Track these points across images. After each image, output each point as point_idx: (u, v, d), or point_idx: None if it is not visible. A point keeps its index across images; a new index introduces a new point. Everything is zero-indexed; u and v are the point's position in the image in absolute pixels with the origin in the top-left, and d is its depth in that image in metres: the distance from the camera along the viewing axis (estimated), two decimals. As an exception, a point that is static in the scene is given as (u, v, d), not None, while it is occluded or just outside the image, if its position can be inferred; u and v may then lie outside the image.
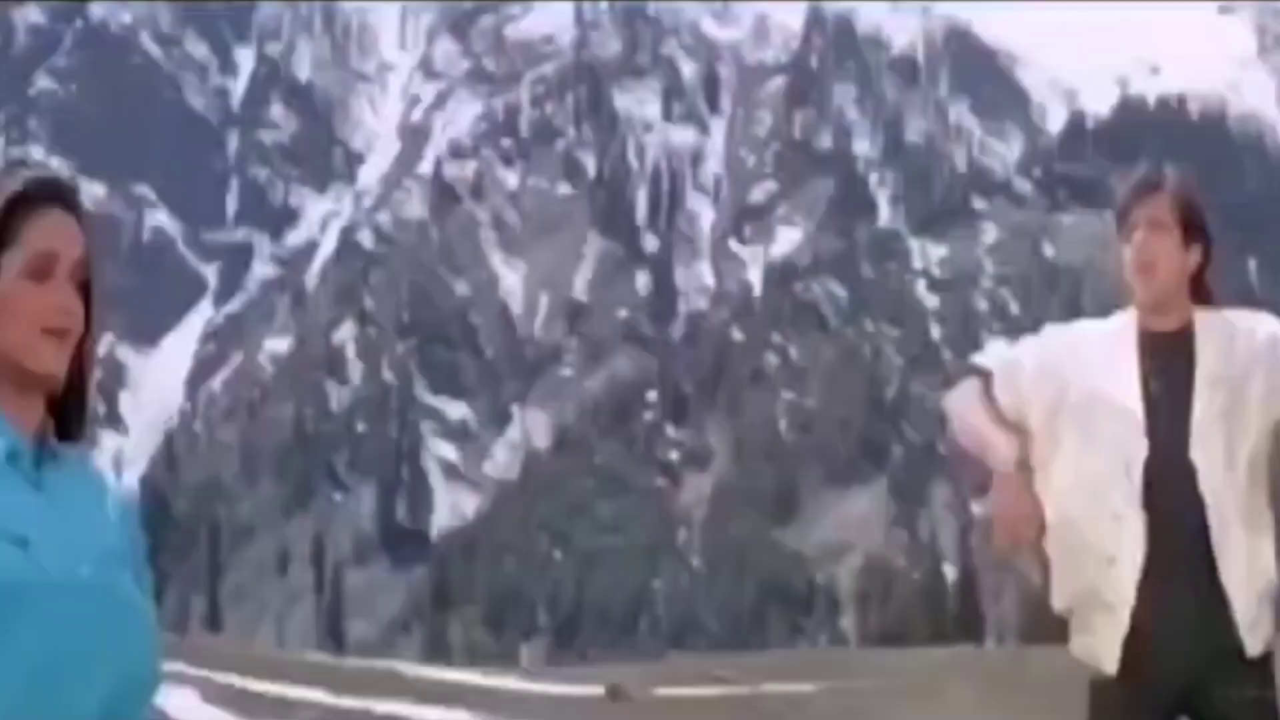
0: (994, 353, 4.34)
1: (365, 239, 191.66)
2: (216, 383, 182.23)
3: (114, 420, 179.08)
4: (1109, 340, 4.14)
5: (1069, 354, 4.15)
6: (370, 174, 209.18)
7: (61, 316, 2.29)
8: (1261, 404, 4.05)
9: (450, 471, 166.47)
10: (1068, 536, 4.11)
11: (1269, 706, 4.02)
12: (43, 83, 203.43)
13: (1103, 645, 4.10)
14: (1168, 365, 4.07)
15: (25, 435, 2.31)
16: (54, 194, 2.33)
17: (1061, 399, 4.08)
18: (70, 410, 2.39)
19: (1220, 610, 3.97)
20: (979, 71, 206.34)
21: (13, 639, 2.18)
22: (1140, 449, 3.98)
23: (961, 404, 4.29)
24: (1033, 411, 4.13)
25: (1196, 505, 3.96)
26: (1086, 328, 4.26)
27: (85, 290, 2.34)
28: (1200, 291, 4.15)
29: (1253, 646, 4.00)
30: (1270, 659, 4.04)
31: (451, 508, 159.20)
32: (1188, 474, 3.97)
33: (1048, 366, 4.14)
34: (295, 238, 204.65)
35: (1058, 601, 4.23)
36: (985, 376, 4.25)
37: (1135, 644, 4.03)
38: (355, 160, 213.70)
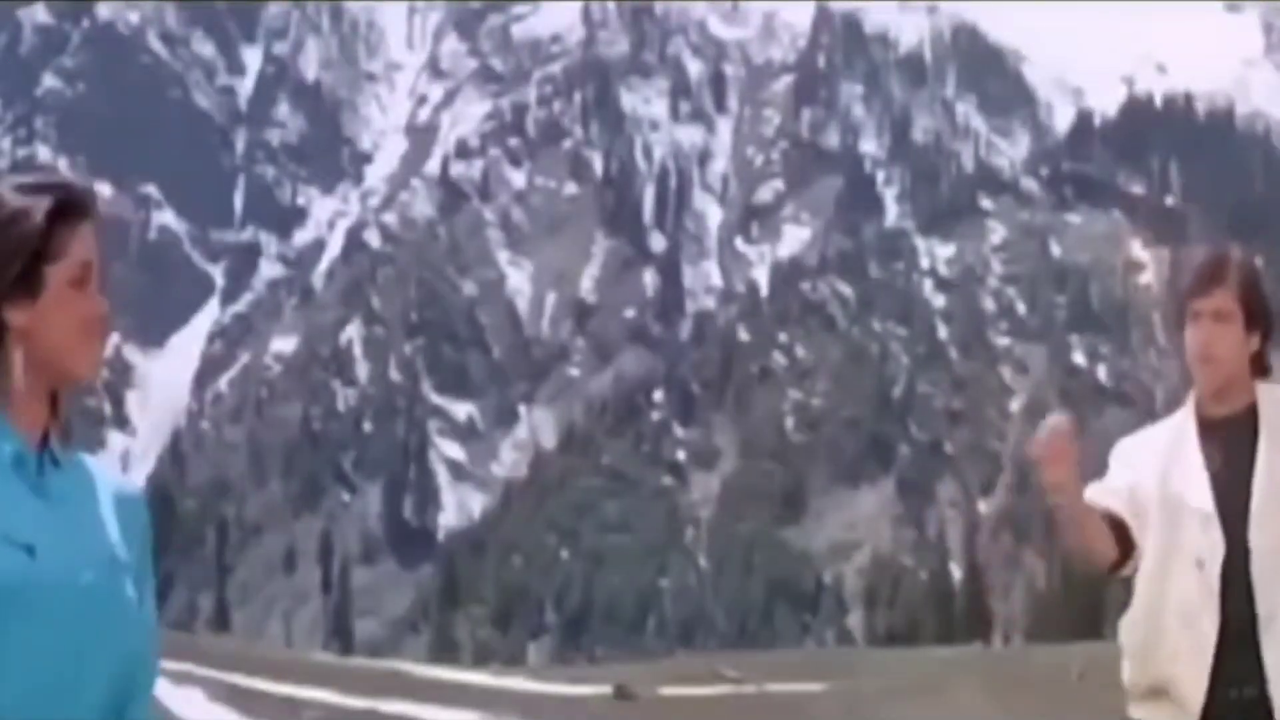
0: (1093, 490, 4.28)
1: (372, 238, 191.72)
2: (223, 382, 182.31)
3: (121, 420, 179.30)
4: (1172, 439, 4.16)
5: (1138, 464, 4.17)
6: (377, 173, 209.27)
7: (100, 322, 2.44)
8: None
9: (457, 471, 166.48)
10: (1148, 628, 4.15)
11: None
12: (50, 82, 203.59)
13: None
14: (1232, 449, 4.10)
15: (31, 439, 2.41)
16: (87, 205, 2.47)
17: (1142, 509, 4.12)
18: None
19: (1261, 701, 3.99)
20: (986, 70, 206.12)
21: (15, 642, 2.24)
22: (1216, 546, 4.02)
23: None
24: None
25: (1249, 605, 4.03)
26: (1149, 435, 4.26)
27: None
28: (1260, 367, 4.18)
29: None
30: None
31: (459, 507, 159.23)
32: (1248, 559, 4.02)
33: (1123, 484, 4.17)
34: (302, 237, 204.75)
35: (1127, 678, 4.24)
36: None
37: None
38: (362, 160, 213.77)
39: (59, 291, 2.39)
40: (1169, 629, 4.06)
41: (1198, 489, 4.04)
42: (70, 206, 2.44)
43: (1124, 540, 4.12)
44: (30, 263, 2.38)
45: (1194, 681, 4.00)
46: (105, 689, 2.33)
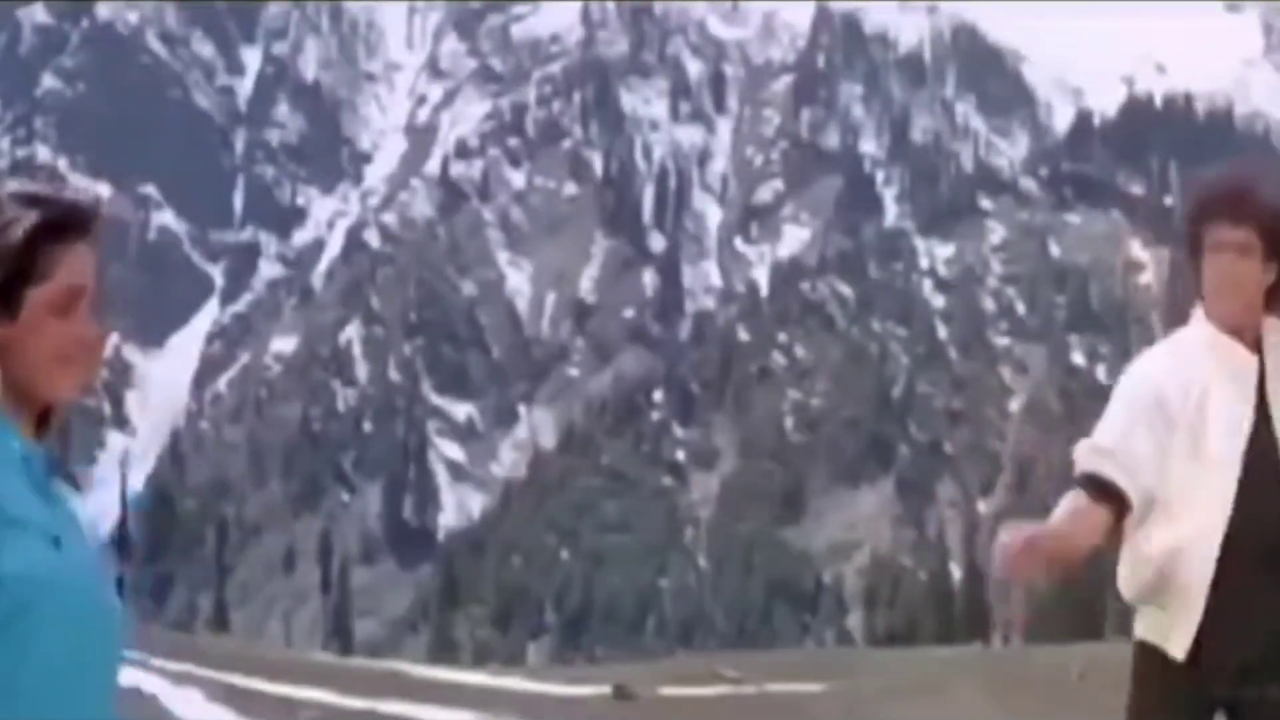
0: (1083, 449, 4.24)
1: (372, 238, 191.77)
2: (223, 382, 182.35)
3: (120, 420, 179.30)
4: (1197, 351, 4.17)
5: (1167, 370, 4.16)
6: (377, 173, 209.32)
7: (78, 348, 2.32)
8: None
9: (457, 471, 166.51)
10: (1159, 525, 4.12)
11: None
12: (49, 82, 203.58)
13: (1175, 628, 4.07)
14: (1240, 378, 4.14)
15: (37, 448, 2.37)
16: (83, 226, 2.34)
17: (1170, 429, 4.10)
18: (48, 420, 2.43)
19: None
20: (986, 70, 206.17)
21: (45, 634, 2.23)
22: (1232, 480, 4.05)
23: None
24: (1147, 464, 4.11)
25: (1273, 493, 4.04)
26: (1162, 351, 4.25)
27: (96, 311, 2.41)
28: (1273, 300, 4.20)
29: None
30: None
31: (458, 507, 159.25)
32: (1276, 474, 4.05)
33: (1150, 406, 4.14)
34: (302, 237, 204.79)
35: (1128, 587, 4.21)
36: (1082, 483, 4.18)
37: (1204, 632, 4.03)
38: (362, 160, 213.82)
39: (35, 316, 2.29)
40: (1190, 523, 4.05)
41: (1219, 401, 4.08)
42: (62, 225, 2.31)
43: (1116, 498, 4.08)
44: (8, 280, 2.28)
45: (1206, 567, 4.00)
46: (110, 688, 2.34)
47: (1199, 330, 4.18)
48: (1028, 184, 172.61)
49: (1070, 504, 4.11)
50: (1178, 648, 4.04)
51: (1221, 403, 4.08)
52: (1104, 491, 4.07)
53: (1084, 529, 4.08)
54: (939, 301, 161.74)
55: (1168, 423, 4.08)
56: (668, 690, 33.06)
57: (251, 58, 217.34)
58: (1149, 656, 4.13)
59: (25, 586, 2.21)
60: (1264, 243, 4.10)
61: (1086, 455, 4.15)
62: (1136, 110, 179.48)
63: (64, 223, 2.31)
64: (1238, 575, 3.99)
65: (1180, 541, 4.05)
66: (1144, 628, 4.18)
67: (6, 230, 2.29)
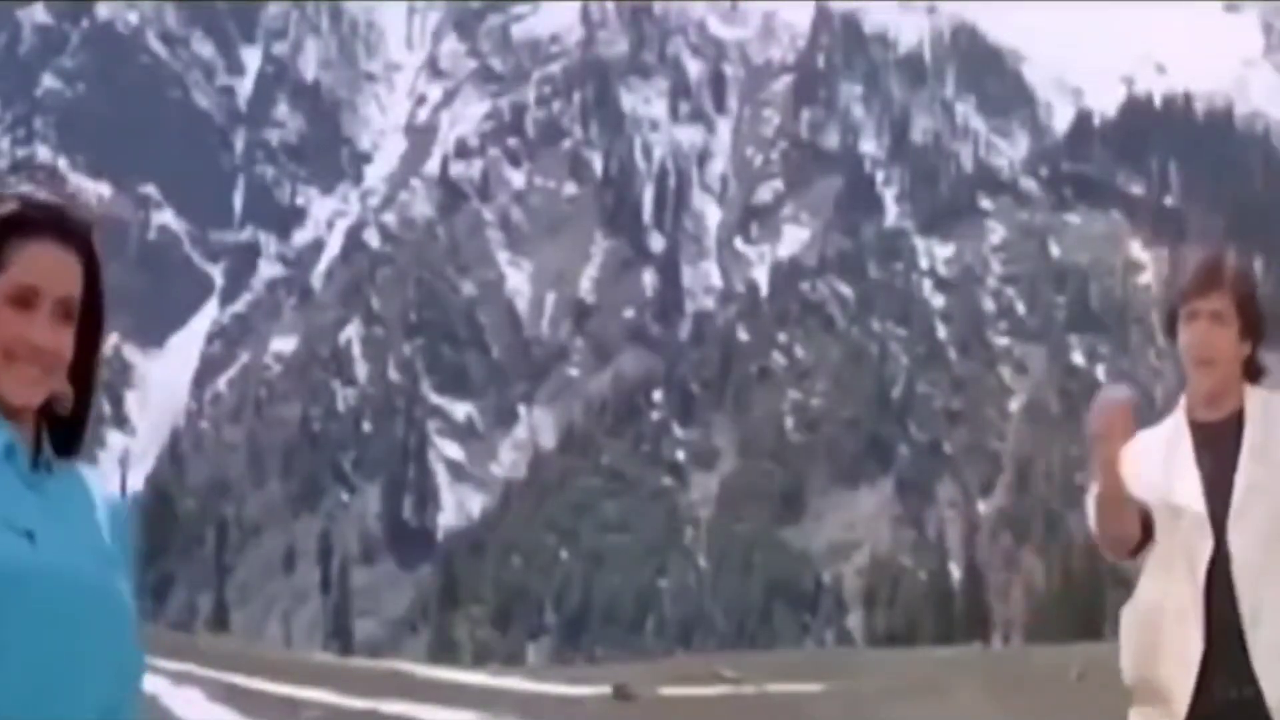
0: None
1: (372, 238, 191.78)
2: (223, 382, 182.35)
3: (120, 420, 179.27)
4: (1165, 444, 4.18)
5: (1134, 474, 4.16)
6: (377, 173, 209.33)
7: (23, 348, 2.26)
8: None
9: (457, 471, 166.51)
10: (1142, 626, 4.16)
11: None
12: (49, 82, 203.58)
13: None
14: (1220, 454, 4.12)
15: (24, 440, 2.31)
16: (53, 225, 2.30)
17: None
18: (69, 431, 2.38)
19: (1258, 702, 3.97)
20: (985, 70, 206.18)
21: (17, 630, 2.19)
22: (1205, 547, 4.03)
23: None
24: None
25: (1233, 593, 4.01)
26: (1142, 441, 4.24)
27: (92, 319, 2.33)
28: (1251, 372, 4.20)
29: None
30: None
31: (458, 507, 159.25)
32: (1229, 561, 4.03)
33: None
34: (302, 237, 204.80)
35: (1125, 676, 4.25)
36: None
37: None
38: (362, 160, 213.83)
39: None
40: (1163, 628, 4.07)
41: (1191, 491, 4.07)
42: (34, 222, 2.28)
43: (1146, 526, 4.15)
44: None
45: (1182, 681, 4.00)
46: (102, 682, 2.27)
47: (1172, 421, 4.20)
48: (1027, 184, 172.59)
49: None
50: None
51: (1185, 494, 4.09)
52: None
53: (1135, 507, 4.14)
54: (939, 301, 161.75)
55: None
56: (667, 690, 33.08)
57: (251, 58, 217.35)
58: None
59: None
60: (1239, 314, 4.11)
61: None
62: (1136, 110, 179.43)
63: (36, 220, 2.28)
64: (1206, 678, 3.99)
65: (1161, 642, 4.08)
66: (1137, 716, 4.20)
67: None
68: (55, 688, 2.22)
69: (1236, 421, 4.11)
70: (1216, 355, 4.09)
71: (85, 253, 2.32)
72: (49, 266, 2.27)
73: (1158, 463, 4.12)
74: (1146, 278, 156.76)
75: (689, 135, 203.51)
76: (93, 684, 2.26)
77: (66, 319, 2.28)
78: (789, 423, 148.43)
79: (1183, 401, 4.20)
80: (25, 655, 2.18)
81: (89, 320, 2.32)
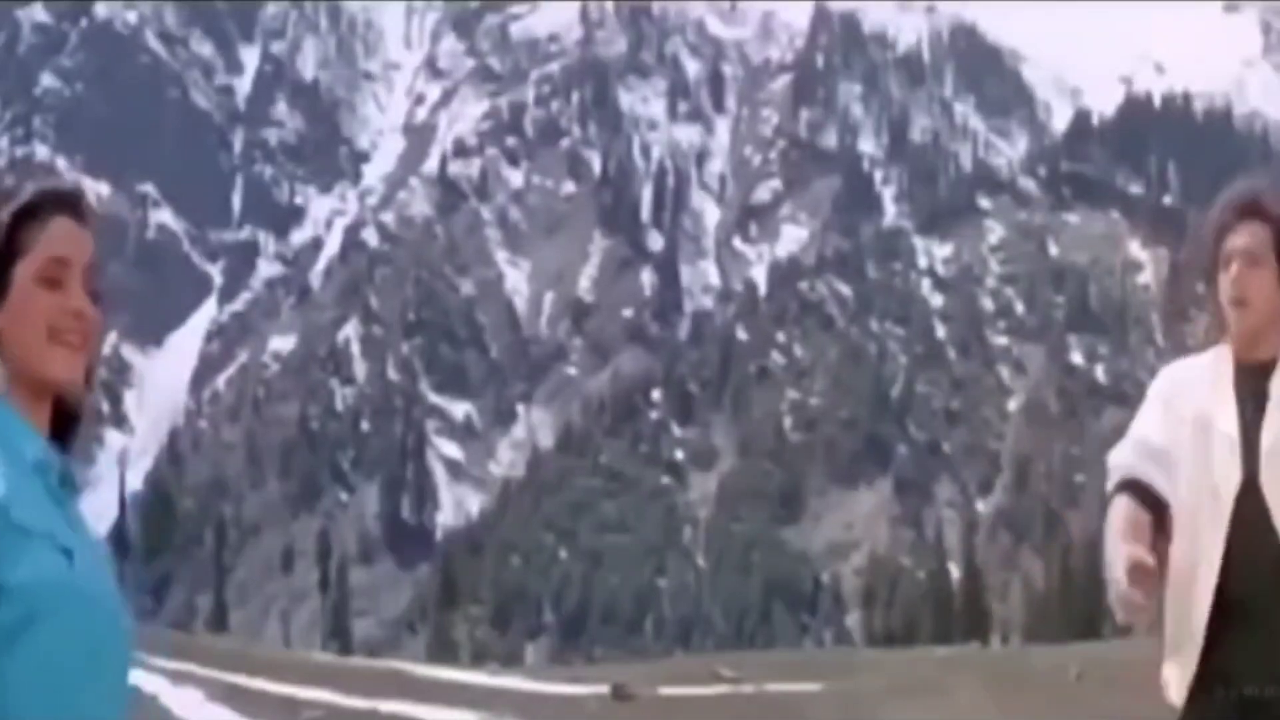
0: (1116, 454, 4.14)
1: (370, 237, 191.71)
2: (221, 381, 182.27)
3: (119, 419, 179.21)
4: (1210, 370, 4.08)
5: (1178, 392, 4.08)
6: (375, 172, 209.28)
7: (72, 320, 2.31)
8: None
9: (455, 470, 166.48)
10: (1174, 568, 4.03)
11: None
12: (48, 81, 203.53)
13: (1174, 677, 3.99)
14: (1259, 393, 4.00)
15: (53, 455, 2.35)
16: (63, 203, 2.36)
17: (1182, 432, 4.03)
18: (68, 420, 2.42)
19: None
20: (984, 70, 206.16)
21: (49, 646, 2.22)
22: (1233, 476, 3.91)
23: (1108, 533, 4.22)
24: (1177, 466, 4.03)
25: (1272, 540, 3.86)
26: (1186, 364, 4.17)
27: (95, 299, 2.37)
28: None
29: None
30: None
31: (457, 506, 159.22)
32: (1263, 507, 3.89)
33: (1168, 415, 4.07)
34: (300, 236, 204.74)
35: (1166, 631, 4.13)
36: (1119, 488, 4.08)
37: (1204, 680, 3.92)
38: (360, 159, 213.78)
39: (24, 290, 2.29)
40: (1197, 575, 3.94)
41: (1226, 417, 3.96)
42: (40, 204, 2.33)
43: (1159, 507, 4.00)
44: None
45: (1200, 615, 3.88)
46: (120, 701, 2.33)
47: (1216, 352, 4.10)
48: (1026, 184, 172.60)
49: (1125, 514, 4.00)
50: (1176, 695, 3.96)
51: (1223, 420, 3.98)
52: (1147, 498, 4.00)
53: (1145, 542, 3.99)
54: (937, 301, 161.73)
55: (1181, 422, 4.03)
56: (666, 690, 33.07)
57: (250, 57, 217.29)
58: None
59: (36, 597, 2.21)
60: (1276, 250, 3.98)
61: (1129, 459, 4.07)
62: (1135, 110, 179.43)
63: (43, 202, 2.33)
64: (1233, 621, 3.87)
65: (1181, 584, 3.96)
66: (1164, 673, 4.09)
67: None
68: (87, 703, 2.26)
69: (1275, 365, 4.01)
70: (1251, 296, 3.97)
71: (92, 231, 2.39)
72: (72, 237, 2.33)
73: (1200, 386, 4.04)
74: (1145, 277, 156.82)
75: (687, 135, 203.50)
76: (115, 700, 2.32)
77: (92, 294, 2.34)
78: (787, 422, 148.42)
79: (1227, 340, 4.08)
80: (62, 671, 2.22)
81: (95, 302, 2.38)
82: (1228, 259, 4.00)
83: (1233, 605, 3.85)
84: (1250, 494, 3.88)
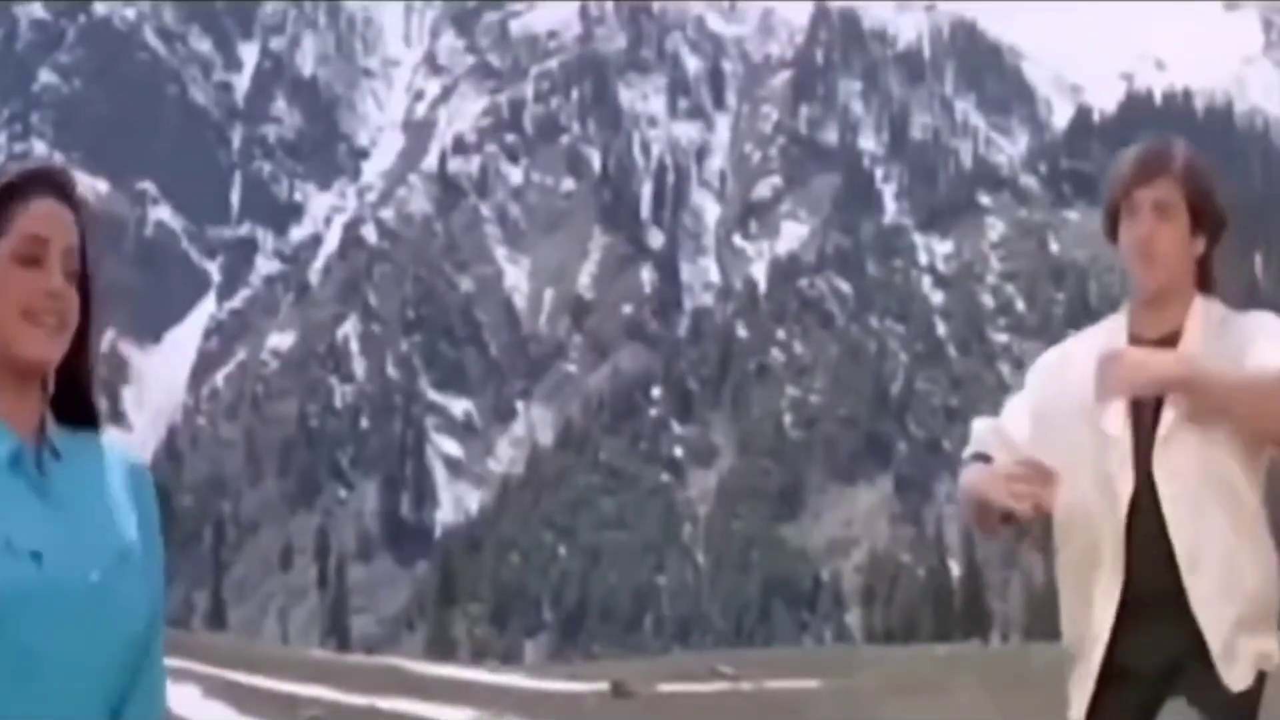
0: (978, 428, 3.80)
1: (369, 234, 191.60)
2: (220, 378, 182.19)
3: (117, 416, 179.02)
4: (1095, 356, 3.67)
5: (1054, 381, 3.71)
6: (374, 169, 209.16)
7: (46, 300, 2.31)
8: None
9: (454, 467, 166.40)
10: (1062, 575, 3.75)
11: None
12: (46, 78, 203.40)
13: (1075, 691, 3.73)
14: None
15: (26, 434, 2.33)
16: (45, 183, 2.36)
17: (1052, 430, 3.67)
18: (74, 402, 2.40)
19: (1196, 645, 3.57)
20: (984, 67, 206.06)
21: (24, 647, 2.23)
22: (1126, 479, 3.57)
23: (962, 485, 3.93)
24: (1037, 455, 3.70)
25: (1165, 537, 3.56)
26: (1071, 347, 3.78)
27: (84, 282, 2.36)
28: (1204, 278, 3.74)
29: (1235, 681, 3.56)
30: (1256, 693, 3.59)
31: (455, 503, 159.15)
32: (1156, 502, 3.57)
33: (1036, 406, 3.72)
34: (299, 233, 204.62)
35: (1064, 637, 3.85)
36: (977, 458, 3.75)
37: (1107, 689, 3.65)
38: (359, 156, 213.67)
39: (1, 267, 2.30)
40: (1085, 573, 3.66)
41: (1116, 413, 3.60)
42: (22, 185, 2.34)
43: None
44: None
45: (1101, 625, 3.61)
46: (106, 682, 2.33)
47: (1109, 326, 3.75)
48: (1027, 181, 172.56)
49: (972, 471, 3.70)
50: (1078, 710, 3.70)
51: (1108, 418, 3.62)
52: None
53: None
54: (938, 298, 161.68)
55: (1051, 417, 3.68)
56: (665, 687, 32.96)
57: (249, 53, 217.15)
58: None
59: None
60: (1189, 207, 3.65)
61: (990, 438, 3.74)
62: (1136, 107, 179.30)
63: (25, 182, 2.34)
64: (1134, 624, 3.60)
65: (1080, 587, 3.68)
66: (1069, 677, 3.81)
67: None
68: (60, 697, 2.27)
69: (1179, 340, 3.64)
70: (1159, 250, 3.63)
71: (77, 214, 2.38)
72: (52, 216, 2.33)
73: (1081, 377, 3.63)
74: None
75: (687, 131, 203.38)
76: (96, 688, 2.31)
77: (71, 276, 2.34)
78: (787, 420, 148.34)
79: (1124, 310, 3.74)
80: (31, 670, 2.24)
81: (83, 287, 2.37)
82: (1135, 210, 3.67)
83: (1129, 606, 3.61)
84: (1145, 490, 3.58)
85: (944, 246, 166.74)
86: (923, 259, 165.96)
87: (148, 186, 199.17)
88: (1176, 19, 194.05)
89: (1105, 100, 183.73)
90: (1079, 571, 3.69)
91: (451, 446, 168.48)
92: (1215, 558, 3.53)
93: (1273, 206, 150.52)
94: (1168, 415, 3.56)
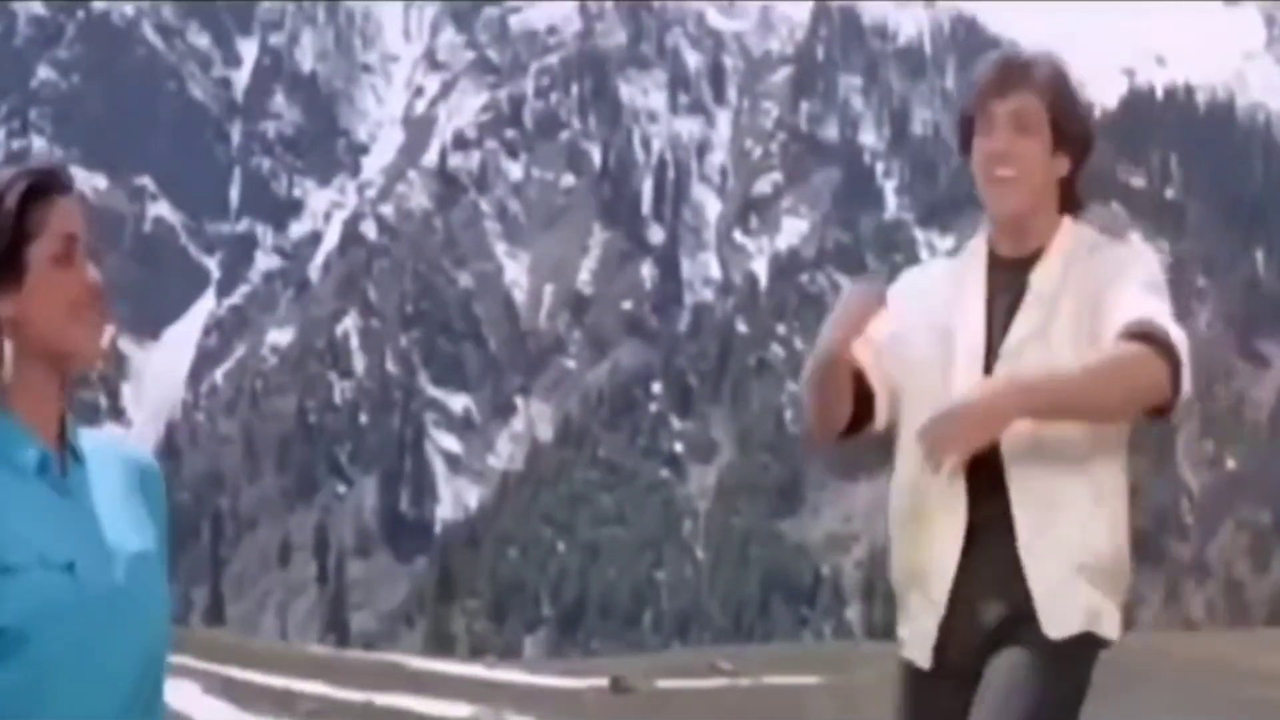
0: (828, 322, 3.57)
1: (369, 230, 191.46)
2: (219, 374, 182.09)
3: (116, 412, 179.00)
4: (955, 277, 3.45)
5: (913, 301, 3.49)
6: (374, 165, 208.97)
7: (89, 293, 2.35)
8: (1073, 320, 3.32)
9: (453, 463, 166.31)
10: (897, 499, 3.59)
11: (1051, 697, 3.29)
12: (44, 74, 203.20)
13: (915, 635, 3.50)
14: (1013, 292, 3.37)
15: (50, 437, 2.35)
16: (59, 180, 2.40)
17: (906, 346, 3.48)
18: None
19: (1021, 587, 3.32)
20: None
21: (56, 659, 2.25)
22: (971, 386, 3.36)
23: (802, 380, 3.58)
24: (906, 380, 3.53)
25: (1001, 466, 3.33)
26: (930, 268, 3.56)
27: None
28: (1069, 199, 3.41)
29: (1052, 628, 3.30)
30: (1085, 645, 3.33)
31: (455, 499, 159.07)
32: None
33: (895, 327, 3.52)
34: (298, 229, 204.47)
35: (893, 573, 3.64)
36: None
37: (947, 631, 3.43)
38: (359, 151, 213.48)
39: (42, 271, 2.33)
40: (925, 504, 3.49)
41: (969, 323, 3.39)
42: (42, 185, 2.37)
43: (861, 401, 3.58)
44: (9, 248, 2.33)
45: (945, 562, 3.40)
46: (133, 686, 2.35)
47: (970, 248, 3.48)
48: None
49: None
50: (922, 656, 3.47)
51: (966, 339, 3.40)
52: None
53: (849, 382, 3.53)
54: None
55: (905, 341, 3.49)
56: (664, 683, 32.82)
57: (248, 49, 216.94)
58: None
59: (24, 631, 2.22)
60: (1051, 122, 3.33)
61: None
62: (1137, 103, 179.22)
63: (46, 183, 2.37)
64: (970, 560, 3.39)
65: (915, 514, 3.47)
66: (900, 633, 3.56)
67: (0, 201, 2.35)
68: (89, 705, 2.28)
69: (1040, 261, 3.37)
70: (1018, 168, 3.31)
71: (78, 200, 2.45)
72: (76, 212, 2.38)
73: (944, 290, 3.42)
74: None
75: (688, 127, 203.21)
76: (122, 693, 2.33)
77: (92, 260, 2.40)
78: (788, 415, 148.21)
79: (983, 232, 3.47)
80: (62, 679, 2.25)
81: None
82: (990, 124, 3.35)
83: (970, 538, 3.41)
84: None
85: (945, 241, 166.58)
86: (924, 254, 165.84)
87: (146, 182, 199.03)
88: (1178, 15, 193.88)
89: (1106, 96, 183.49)
90: (913, 495, 3.47)
91: (451, 442, 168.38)
92: (1051, 499, 3.32)
93: (1274, 203, 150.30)
94: (1024, 317, 3.36)
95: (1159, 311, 3.29)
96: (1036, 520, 3.32)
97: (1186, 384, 3.27)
